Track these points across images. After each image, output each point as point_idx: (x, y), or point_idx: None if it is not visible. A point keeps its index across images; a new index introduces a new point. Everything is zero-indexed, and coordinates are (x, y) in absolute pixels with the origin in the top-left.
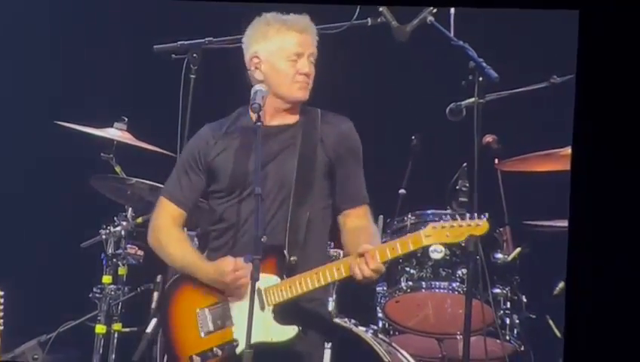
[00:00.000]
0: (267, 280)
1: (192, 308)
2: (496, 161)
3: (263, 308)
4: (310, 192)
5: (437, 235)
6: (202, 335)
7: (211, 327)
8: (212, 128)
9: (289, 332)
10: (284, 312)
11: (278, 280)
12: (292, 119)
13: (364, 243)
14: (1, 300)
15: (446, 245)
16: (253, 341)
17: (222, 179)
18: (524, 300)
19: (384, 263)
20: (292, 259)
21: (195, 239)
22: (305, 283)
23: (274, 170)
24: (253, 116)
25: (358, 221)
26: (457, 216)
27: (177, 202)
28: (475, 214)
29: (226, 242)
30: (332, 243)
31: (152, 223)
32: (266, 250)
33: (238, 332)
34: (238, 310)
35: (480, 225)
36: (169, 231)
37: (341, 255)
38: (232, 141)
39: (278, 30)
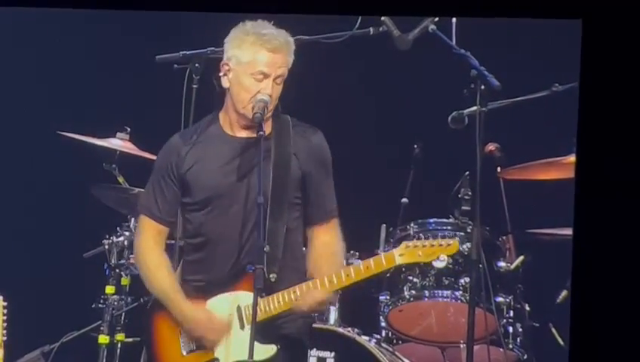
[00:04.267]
0: (246, 297)
1: (175, 326)
2: (499, 169)
3: (242, 326)
4: (285, 206)
5: (409, 254)
6: (184, 353)
7: (193, 346)
8: (182, 137)
9: (268, 351)
10: (264, 330)
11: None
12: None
13: (325, 265)
14: (5, 311)
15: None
16: (233, 359)
17: (196, 192)
18: (527, 308)
19: (357, 282)
20: (271, 276)
21: (177, 249)
22: (283, 301)
23: (249, 185)
24: (255, 126)
25: (325, 237)
26: (429, 236)
27: (157, 219)
28: (446, 234)
29: (203, 257)
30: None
31: (134, 242)
32: (245, 267)
33: (219, 352)
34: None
35: (450, 245)
36: (149, 254)
37: None
38: (203, 151)
39: (252, 43)
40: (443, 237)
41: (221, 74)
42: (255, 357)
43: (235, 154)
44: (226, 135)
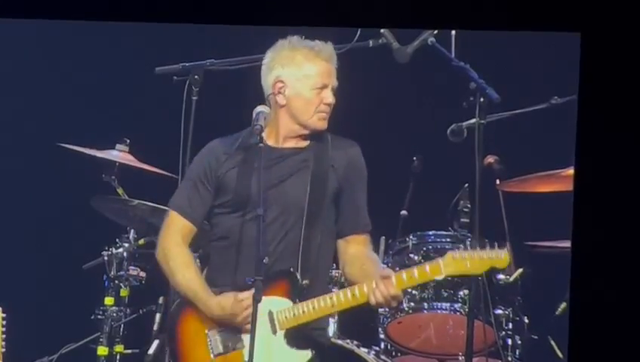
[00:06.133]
0: (278, 303)
1: (201, 328)
2: (498, 181)
3: (275, 332)
4: (321, 216)
5: (457, 265)
6: (212, 356)
7: (221, 349)
8: (223, 143)
9: (302, 357)
10: (297, 336)
11: (290, 303)
12: (304, 143)
13: (373, 271)
14: (4, 322)
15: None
16: None
17: (228, 194)
18: (526, 321)
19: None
20: (304, 282)
21: (197, 260)
22: (319, 307)
23: (285, 192)
24: (256, 137)
25: (359, 247)
26: (477, 246)
27: (188, 216)
28: (496, 244)
29: (227, 260)
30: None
31: (160, 238)
32: (278, 272)
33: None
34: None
35: (501, 258)
36: (177, 250)
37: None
38: (242, 159)
39: (305, 56)
40: (492, 247)
41: (275, 92)
42: None
43: (273, 163)
44: (268, 146)
